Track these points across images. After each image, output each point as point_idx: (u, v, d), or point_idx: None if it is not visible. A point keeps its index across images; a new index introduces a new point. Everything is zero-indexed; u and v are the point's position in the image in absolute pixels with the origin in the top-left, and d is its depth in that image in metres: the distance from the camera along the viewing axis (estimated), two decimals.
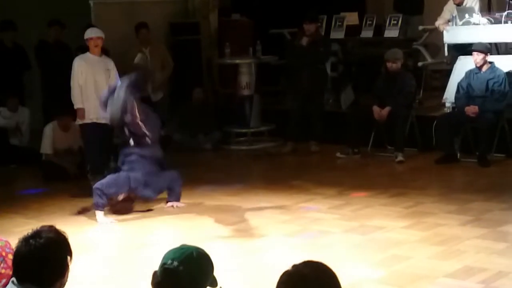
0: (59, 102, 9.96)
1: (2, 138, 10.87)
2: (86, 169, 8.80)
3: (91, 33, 8.71)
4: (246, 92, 11.54)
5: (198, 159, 10.52)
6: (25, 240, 3.42)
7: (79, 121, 8.73)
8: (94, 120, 8.56)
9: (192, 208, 8.08)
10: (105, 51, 9.10)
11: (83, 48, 9.98)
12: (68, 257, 3.49)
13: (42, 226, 3.53)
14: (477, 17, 10.60)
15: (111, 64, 8.73)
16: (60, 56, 11.06)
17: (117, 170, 8.00)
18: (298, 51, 10.84)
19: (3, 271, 3.88)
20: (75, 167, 9.68)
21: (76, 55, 11.25)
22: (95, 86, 8.56)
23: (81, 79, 8.57)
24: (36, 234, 3.43)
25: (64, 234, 3.54)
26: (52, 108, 10.57)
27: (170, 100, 11.78)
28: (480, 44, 9.76)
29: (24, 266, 3.40)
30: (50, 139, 9.78)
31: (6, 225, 7.51)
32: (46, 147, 9.77)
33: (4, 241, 3.94)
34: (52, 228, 3.51)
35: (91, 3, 11.83)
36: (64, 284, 3.50)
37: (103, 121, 8.33)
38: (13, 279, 3.50)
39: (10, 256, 3.85)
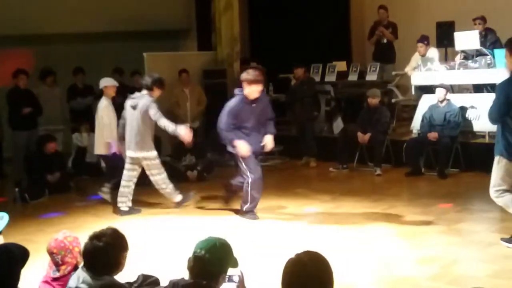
0: None
1: (82, 155, 10.94)
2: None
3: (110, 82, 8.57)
4: None
5: (225, 171, 10.49)
6: (90, 240, 3.51)
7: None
8: None
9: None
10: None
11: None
12: (125, 253, 3.53)
13: (107, 228, 3.57)
14: (436, 65, 10.59)
15: None
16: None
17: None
18: (292, 89, 11.14)
19: (69, 260, 3.93)
20: None
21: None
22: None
23: None
24: (98, 236, 3.49)
25: (122, 235, 3.57)
26: None
27: (204, 127, 11.81)
28: (443, 84, 9.78)
29: (88, 259, 3.50)
30: None
31: (80, 222, 7.55)
32: None
33: (72, 237, 4.01)
34: (112, 232, 3.54)
35: (145, 55, 11.89)
36: (120, 271, 3.55)
37: None
38: (82, 265, 3.56)
39: (77, 249, 3.92)
